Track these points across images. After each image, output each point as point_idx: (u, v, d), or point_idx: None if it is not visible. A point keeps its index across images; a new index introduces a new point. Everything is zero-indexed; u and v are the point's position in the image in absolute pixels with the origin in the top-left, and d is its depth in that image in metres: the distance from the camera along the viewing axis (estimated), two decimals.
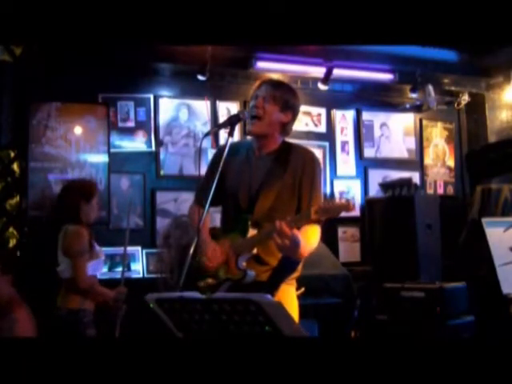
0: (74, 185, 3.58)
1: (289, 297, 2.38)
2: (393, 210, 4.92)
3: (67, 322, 3.24)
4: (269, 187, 2.36)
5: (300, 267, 2.44)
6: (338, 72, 5.05)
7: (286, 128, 2.44)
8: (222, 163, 2.16)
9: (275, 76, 4.69)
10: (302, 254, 2.22)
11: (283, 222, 2.12)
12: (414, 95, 5.45)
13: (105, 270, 4.16)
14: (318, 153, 5.20)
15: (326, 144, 5.43)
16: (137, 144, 4.85)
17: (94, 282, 3.36)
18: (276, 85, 2.46)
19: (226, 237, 2.40)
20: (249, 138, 2.57)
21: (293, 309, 2.36)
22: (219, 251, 2.34)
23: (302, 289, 2.55)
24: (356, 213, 5.30)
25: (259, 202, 2.35)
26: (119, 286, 3.42)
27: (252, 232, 2.31)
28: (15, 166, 4.39)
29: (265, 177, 2.38)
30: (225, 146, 2.21)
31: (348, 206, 2.09)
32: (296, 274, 2.45)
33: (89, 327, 3.25)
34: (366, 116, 5.67)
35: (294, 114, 2.45)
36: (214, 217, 2.84)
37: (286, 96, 2.41)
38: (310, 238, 2.27)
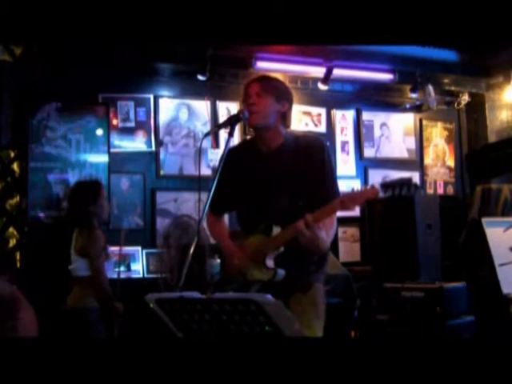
0: (79, 188, 3.60)
1: (321, 297, 2.37)
2: (393, 210, 4.91)
3: (79, 320, 3.27)
4: (283, 183, 2.32)
5: (326, 263, 2.42)
6: (337, 72, 5.05)
7: (286, 118, 2.41)
8: (225, 168, 2.14)
9: (275, 76, 4.68)
10: (326, 247, 2.23)
11: (311, 216, 2.11)
12: (414, 95, 5.44)
13: None
14: None
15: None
16: (137, 144, 4.84)
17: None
18: (265, 79, 2.46)
19: (247, 239, 2.36)
20: (249, 137, 2.55)
21: (323, 309, 2.35)
22: (245, 253, 2.31)
23: (327, 286, 2.54)
24: (356, 213, 5.29)
25: (277, 200, 2.31)
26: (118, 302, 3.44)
27: (276, 230, 2.27)
28: (15, 166, 4.40)
29: (277, 173, 2.35)
30: (230, 149, 2.20)
31: (374, 192, 2.11)
32: (323, 271, 2.42)
33: (98, 325, 3.28)
34: (366, 116, 5.67)
35: (290, 103, 2.43)
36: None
37: (277, 87, 2.41)
38: (329, 229, 2.25)
